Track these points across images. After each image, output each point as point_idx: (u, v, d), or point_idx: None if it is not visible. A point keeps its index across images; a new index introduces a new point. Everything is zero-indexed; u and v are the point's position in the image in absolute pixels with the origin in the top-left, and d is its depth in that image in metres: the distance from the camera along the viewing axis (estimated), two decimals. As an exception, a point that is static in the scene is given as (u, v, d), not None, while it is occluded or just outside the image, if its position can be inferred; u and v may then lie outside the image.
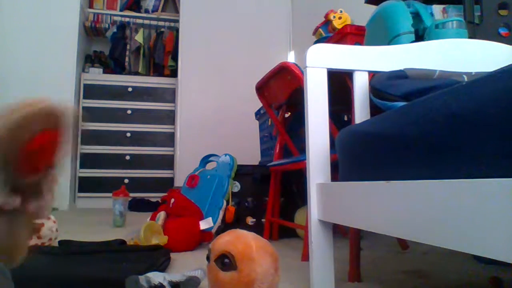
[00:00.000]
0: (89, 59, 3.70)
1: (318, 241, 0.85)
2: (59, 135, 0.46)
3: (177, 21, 3.62)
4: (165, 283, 0.80)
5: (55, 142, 0.46)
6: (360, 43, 1.25)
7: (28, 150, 0.43)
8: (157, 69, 3.81)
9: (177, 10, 3.80)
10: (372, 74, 0.94)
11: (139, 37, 3.69)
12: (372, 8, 1.13)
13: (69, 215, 2.68)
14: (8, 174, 0.43)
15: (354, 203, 0.70)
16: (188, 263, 1.18)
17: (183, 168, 3.09)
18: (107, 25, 3.73)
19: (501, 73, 0.45)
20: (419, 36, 1.00)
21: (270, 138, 2.04)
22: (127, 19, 3.78)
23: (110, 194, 2.10)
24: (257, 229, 1.58)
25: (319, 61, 0.89)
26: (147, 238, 1.31)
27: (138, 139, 3.46)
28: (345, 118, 1.81)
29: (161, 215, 1.48)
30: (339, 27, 1.53)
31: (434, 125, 0.52)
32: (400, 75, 0.81)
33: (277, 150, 1.70)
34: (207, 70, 3.42)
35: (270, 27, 3.60)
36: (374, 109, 0.88)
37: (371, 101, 0.88)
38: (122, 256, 1.08)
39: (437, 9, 1.07)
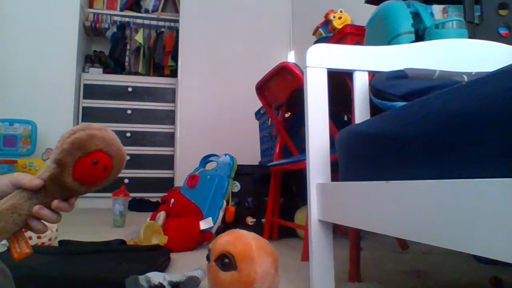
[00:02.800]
0: (89, 59, 3.70)
1: (318, 241, 0.85)
2: (110, 163, 0.54)
3: (177, 21, 3.62)
4: (165, 283, 0.80)
5: (103, 168, 0.53)
6: (360, 43, 1.25)
7: (82, 163, 0.52)
8: (157, 69, 3.81)
9: (177, 10, 3.80)
10: (372, 74, 0.94)
11: (139, 37, 3.69)
12: (372, 8, 1.13)
13: (69, 215, 2.68)
14: (61, 178, 0.52)
15: (354, 203, 0.70)
16: (188, 263, 1.18)
17: (183, 168, 3.09)
18: (107, 25, 3.73)
19: (501, 73, 0.45)
20: (419, 36, 1.00)
21: (270, 138, 2.04)
22: (127, 19, 3.78)
23: (110, 194, 2.10)
24: (257, 229, 1.58)
25: (319, 61, 0.89)
26: (147, 238, 1.31)
27: (138, 139, 3.46)
28: (345, 118, 1.81)
29: (161, 215, 1.47)
30: (339, 27, 1.53)
31: (434, 125, 0.52)
32: (400, 75, 0.81)
33: (277, 150, 1.70)
34: (207, 70, 3.42)
35: (270, 27, 3.60)
36: (374, 109, 0.88)
37: (371, 101, 0.87)
38: (122, 256, 1.08)
39: (437, 9, 1.07)
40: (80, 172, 0.52)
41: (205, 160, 1.95)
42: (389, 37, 1.00)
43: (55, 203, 0.53)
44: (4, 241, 0.53)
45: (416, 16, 1.01)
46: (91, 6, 3.76)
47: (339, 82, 1.07)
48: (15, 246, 0.52)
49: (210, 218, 1.52)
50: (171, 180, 3.41)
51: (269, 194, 1.68)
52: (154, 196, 3.25)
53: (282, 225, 1.66)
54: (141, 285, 0.78)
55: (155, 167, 3.46)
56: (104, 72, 3.59)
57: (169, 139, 3.51)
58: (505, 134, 0.42)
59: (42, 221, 0.54)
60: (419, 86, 0.74)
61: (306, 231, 1.10)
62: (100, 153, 0.52)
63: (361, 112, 0.92)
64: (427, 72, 0.81)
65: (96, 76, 3.50)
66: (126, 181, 3.31)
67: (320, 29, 1.67)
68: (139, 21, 3.79)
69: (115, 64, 3.73)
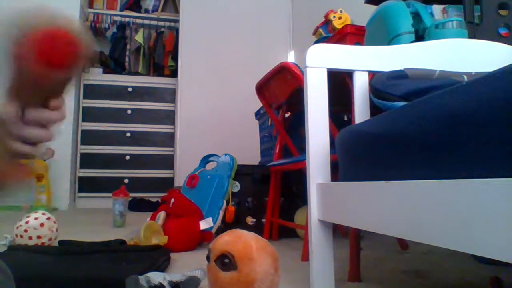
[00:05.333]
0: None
1: (318, 241, 0.85)
2: (72, 36, 0.43)
3: (177, 21, 3.62)
4: (165, 283, 0.80)
5: (67, 42, 0.43)
6: (360, 43, 1.25)
7: (39, 42, 0.41)
8: (157, 69, 3.81)
9: (177, 10, 3.80)
10: (372, 74, 0.94)
11: (139, 37, 3.69)
12: (372, 8, 1.13)
13: (69, 215, 2.68)
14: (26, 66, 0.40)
15: (354, 203, 0.70)
16: (188, 263, 1.18)
17: (183, 168, 3.09)
18: (107, 25, 3.73)
19: (501, 73, 0.45)
20: (419, 36, 1.00)
21: (270, 138, 2.04)
22: (127, 19, 3.78)
23: (110, 194, 2.10)
24: (257, 229, 1.58)
25: (319, 61, 0.89)
26: (147, 238, 1.31)
27: (138, 139, 3.46)
28: (345, 118, 1.81)
29: (161, 215, 1.47)
30: (339, 27, 1.53)
31: (434, 125, 0.52)
32: (400, 75, 0.81)
33: (277, 150, 1.70)
34: (207, 70, 3.42)
35: (270, 27, 3.60)
36: (374, 109, 0.88)
37: (371, 101, 0.87)
38: (122, 256, 1.08)
39: (437, 9, 1.07)
40: (43, 50, 0.42)
41: (205, 160, 1.95)
42: (389, 37, 1.00)
43: (33, 112, 0.42)
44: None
45: (416, 16, 1.01)
46: (91, 6, 3.76)
47: (339, 82, 1.07)
48: (12, 173, 0.43)
49: (210, 218, 1.52)
50: (171, 180, 3.41)
51: (269, 194, 1.68)
52: (154, 196, 3.25)
53: (282, 225, 1.66)
54: (141, 285, 0.78)
55: (155, 167, 3.46)
56: (104, 72, 3.59)
57: (169, 139, 3.51)
58: (504, 134, 0.42)
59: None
60: (419, 86, 0.74)
61: (306, 231, 1.10)
62: (56, 28, 0.44)
63: (361, 112, 0.92)
64: (427, 72, 0.81)
65: (96, 76, 3.50)
66: (126, 181, 3.32)
67: (320, 29, 1.67)
68: (139, 21, 3.79)
69: (115, 64, 3.73)
